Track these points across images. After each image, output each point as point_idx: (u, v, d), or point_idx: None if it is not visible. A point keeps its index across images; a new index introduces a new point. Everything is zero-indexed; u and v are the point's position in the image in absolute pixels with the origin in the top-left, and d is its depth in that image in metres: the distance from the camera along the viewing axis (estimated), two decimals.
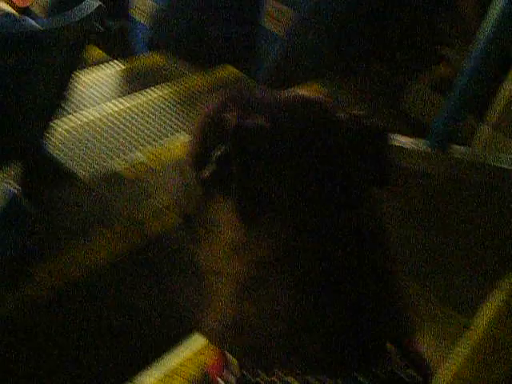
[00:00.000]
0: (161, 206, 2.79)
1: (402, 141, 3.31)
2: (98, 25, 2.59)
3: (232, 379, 0.85)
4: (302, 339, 0.82)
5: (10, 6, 5.16)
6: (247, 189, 0.86)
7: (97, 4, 2.50)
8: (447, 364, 2.05)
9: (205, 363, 0.94)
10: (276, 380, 0.81)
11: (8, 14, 2.94)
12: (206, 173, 0.88)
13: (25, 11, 5.07)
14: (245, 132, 0.87)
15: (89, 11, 2.48)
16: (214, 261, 0.92)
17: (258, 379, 0.82)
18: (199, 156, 0.95)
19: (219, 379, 0.86)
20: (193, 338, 2.01)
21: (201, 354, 1.93)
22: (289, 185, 0.86)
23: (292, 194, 0.86)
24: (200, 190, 0.96)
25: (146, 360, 1.97)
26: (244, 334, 0.85)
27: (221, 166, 0.87)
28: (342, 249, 0.86)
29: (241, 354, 0.86)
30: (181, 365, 1.92)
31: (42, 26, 2.66)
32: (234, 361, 0.86)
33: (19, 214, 1.15)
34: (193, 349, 1.97)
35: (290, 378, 0.81)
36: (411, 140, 3.32)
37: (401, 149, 3.16)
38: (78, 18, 2.45)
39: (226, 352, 0.88)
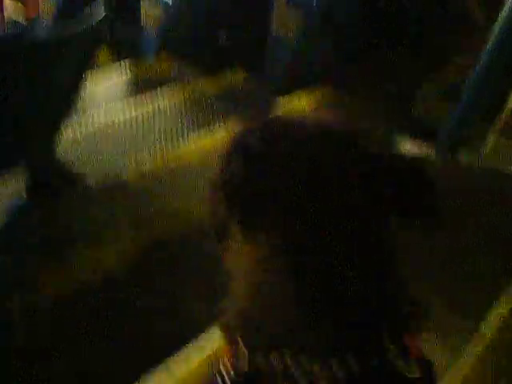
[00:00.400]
0: (168, 209, 2.80)
1: (411, 147, 3.30)
2: (105, 33, 2.60)
3: (241, 363, 0.95)
4: (300, 326, 0.91)
5: (20, 14, 5.23)
6: (246, 200, 0.99)
7: (103, 13, 2.51)
8: (455, 368, 2.06)
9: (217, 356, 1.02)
10: (276, 360, 0.90)
11: (17, 24, 2.95)
12: (220, 182, 1.01)
13: (33, 19, 5.12)
14: (254, 154, 0.99)
15: (95, 21, 2.49)
16: (228, 262, 1.05)
17: (262, 360, 0.92)
18: (223, 175, 1.05)
19: (228, 364, 0.96)
20: (204, 337, 2.06)
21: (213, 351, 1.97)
22: (289, 199, 0.96)
23: (291, 208, 0.96)
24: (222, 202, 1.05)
25: (156, 360, 2.00)
26: (251, 322, 0.96)
27: (232, 179, 0.99)
28: (342, 249, 0.94)
29: (249, 338, 0.96)
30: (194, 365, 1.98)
31: (50, 36, 2.67)
32: (243, 347, 0.95)
33: (27, 220, 1.17)
34: (205, 347, 2.02)
35: (287, 359, 0.90)
36: (421, 147, 3.31)
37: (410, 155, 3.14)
38: (84, 28, 2.46)
39: (237, 339, 0.97)
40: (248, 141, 1.02)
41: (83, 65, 2.75)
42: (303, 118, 1.11)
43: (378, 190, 0.98)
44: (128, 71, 4.67)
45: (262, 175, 0.97)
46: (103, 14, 2.49)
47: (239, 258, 1.01)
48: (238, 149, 1.03)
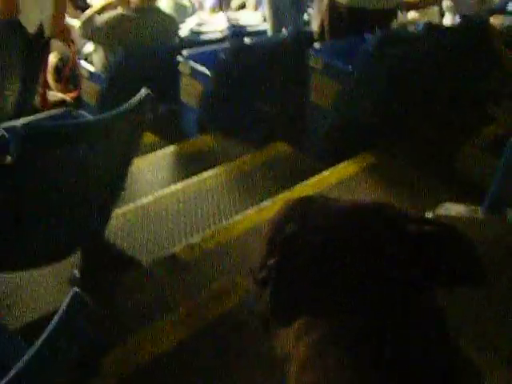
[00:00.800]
0: (220, 289, 2.80)
1: (458, 209, 3.27)
2: (148, 112, 2.65)
3: None
4: None
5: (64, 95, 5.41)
6: (280, 297, 1.02)
7: (146, 92, 2.56)
8: None
9: None
10: None
11: (64, 109, 3.02)
12: (259, 276, 1.05)
13: (76, 100, 5.29)
14: (291, 249, 1.03)
15: (139, 99, 2.54)
16: (282, 346, 1.06)
17: None
18: (262, 259, 1.09)
19: None
20: None
21: None
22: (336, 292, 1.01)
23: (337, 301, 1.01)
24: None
25: None
26: None
27: (270, 273, 1.03)
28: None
29: None
30: None
31: (96, 118, 2.74)
32: None
33: (83, 312, 1.18)
34: None
35: None
36: (467, 208, 3.28)
37: (457, 218, 3.12)
38: (128, 108, 2.51)
39: None
40: (286, 227, 1.06)
41: (130, 143, 2.80)
42: (338, 198, 1.16)
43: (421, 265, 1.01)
44: (172, 149, 4.76)
45: (304, 264, 1.01)
46: (146, 93, 2.55)
47: (291, 343, 1.03)
48: (274, 233, 1.08)
